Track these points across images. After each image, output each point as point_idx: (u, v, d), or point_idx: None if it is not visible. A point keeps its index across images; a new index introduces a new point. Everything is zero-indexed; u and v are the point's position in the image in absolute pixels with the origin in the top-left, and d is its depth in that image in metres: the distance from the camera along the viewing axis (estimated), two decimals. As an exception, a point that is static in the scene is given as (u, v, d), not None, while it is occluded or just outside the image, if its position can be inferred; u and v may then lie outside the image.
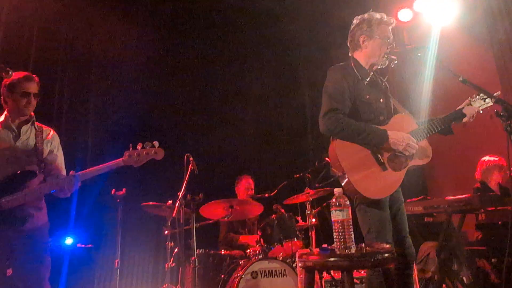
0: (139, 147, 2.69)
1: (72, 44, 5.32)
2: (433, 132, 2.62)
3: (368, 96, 2.59)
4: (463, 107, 2.72)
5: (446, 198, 3.86)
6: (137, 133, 5.18)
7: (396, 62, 2.64)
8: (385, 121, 2.59)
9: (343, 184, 2.46)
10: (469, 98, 2.73)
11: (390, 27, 2.67)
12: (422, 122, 2.71)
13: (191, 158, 3.63)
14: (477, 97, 2.70)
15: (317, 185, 4.11)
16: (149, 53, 5.79)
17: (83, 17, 5.27)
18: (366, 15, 2.68)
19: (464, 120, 2.68)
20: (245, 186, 4.97)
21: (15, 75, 2.67)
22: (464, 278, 4.04)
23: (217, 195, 4.20)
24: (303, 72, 6.65)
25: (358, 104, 2.56)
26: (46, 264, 2.60)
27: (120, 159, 2.67)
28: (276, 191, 4.49)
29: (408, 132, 2.53)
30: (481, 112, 2.71)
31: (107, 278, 4.61)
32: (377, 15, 2.66)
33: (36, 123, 2.81)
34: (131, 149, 2.69)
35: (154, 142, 2.72)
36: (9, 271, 2.57)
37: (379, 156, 2.48)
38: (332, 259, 1.89)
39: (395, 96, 2.79)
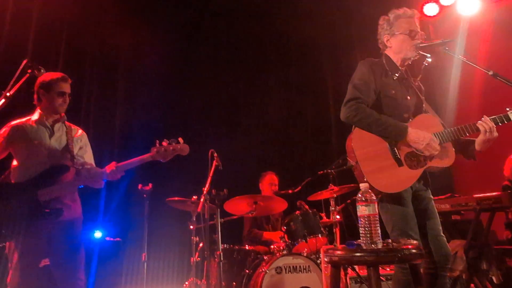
0: (164, 143, 2.76)
1: (99, 45, 5.46)
2: (459, 137, 2.46)
3: (393, 91, 2.56)
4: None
5: (475, 195, 3.78)
6: (163, 130, 5.28)
7: (430, 60, 2.55)
8: (409, 119, 2.55)
9: (355, 173, 2.44)
10: (507, 108, 2.43)
11: (413, 19, 2.61)
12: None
13: (215, 154, 3.64)
14: None
15: (331, 170, 4.06)
16: (174, 51, 5.86)
17: (110, 20, 5.38)
18: (388, 15, 2.67)
19: (478, 139, 2.44)
20: (269, 182, 4.98)
21: (52, 75, 2.81)
22: (494, 278, 3.95)
23: (242, 191, 4.22)
24: (327, 69, 6.61)
25: (383, 98, 2.55)
26: (82, 254, 2.72)
27: (148, 154, 2.75)
28: (300, 187, 4.48)
29: (431, 133, 2.45)
30: None
31: (134, 270, 4.70)
32: (398, 12, 2.63)
33: (65, 122, 2.94)
34: (157, 145, 2.76)
35: (179, 139, 2.80)
36: (43, 262, 2.68)
37: (396, 151, 2.44)
38: (358, 254, 1.87)
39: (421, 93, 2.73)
